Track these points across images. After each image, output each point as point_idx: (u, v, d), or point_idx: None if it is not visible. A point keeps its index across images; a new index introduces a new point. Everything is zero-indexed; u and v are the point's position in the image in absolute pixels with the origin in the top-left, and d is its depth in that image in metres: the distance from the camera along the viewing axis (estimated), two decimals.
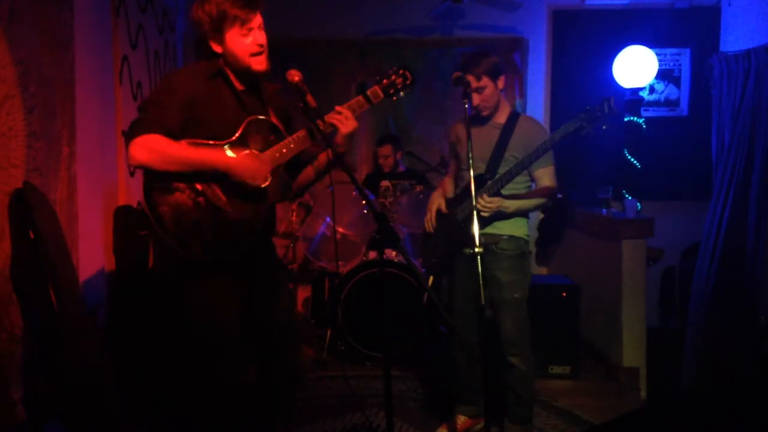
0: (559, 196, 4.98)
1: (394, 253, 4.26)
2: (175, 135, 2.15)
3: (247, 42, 2.20)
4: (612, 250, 4.08)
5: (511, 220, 2.98)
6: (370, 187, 4.72)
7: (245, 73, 2.27)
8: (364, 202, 4.06)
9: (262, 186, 2.22)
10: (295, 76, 2.25)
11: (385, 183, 4.42)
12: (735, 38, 4.71)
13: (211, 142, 2.19)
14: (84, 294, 2.64)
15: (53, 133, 2.72)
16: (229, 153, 2.20)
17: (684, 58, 5.09)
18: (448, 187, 3.24)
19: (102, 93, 3.38)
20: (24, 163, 2.46)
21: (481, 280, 2.46)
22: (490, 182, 2.88)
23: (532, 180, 3.04)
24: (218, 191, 2.19)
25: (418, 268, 3.47)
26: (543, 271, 5.30)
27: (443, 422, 3.28)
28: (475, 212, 2.55)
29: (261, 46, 2.22)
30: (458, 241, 2.97)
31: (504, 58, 5.16)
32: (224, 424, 2.31)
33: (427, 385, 3.85)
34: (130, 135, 2.14)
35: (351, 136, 2.33)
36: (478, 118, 2.97)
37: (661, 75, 5.01)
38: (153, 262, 3.27)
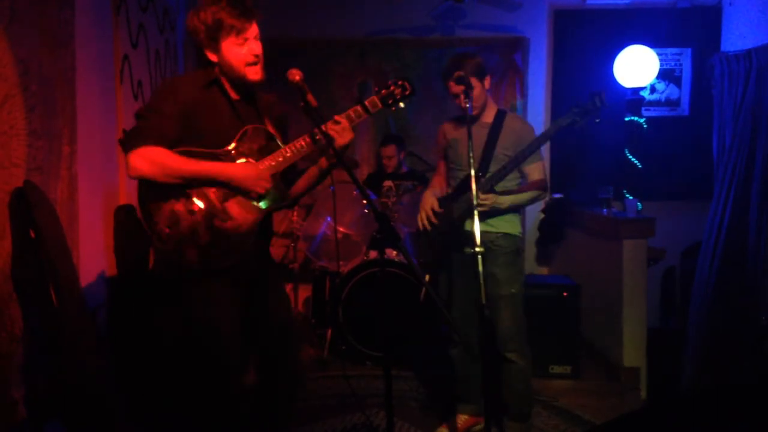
0: (560, 195, 5.00)
1: (394, 252, 4.26)
2: (172, 144, 2.15)
3: (242, 52, 2.20)
4: (613, 250, 4.08)
5: (505, 218, 3.03)
6: (371, 186, 4.72)
7: (240, 83, 2.27)
8: (365, 201, 4.06)
9: (263, 193, 2.23)
10: (296, 75, 2.25)
11: (387, 183, 4.43)
12: (736, 38, 4.71)
13: (207, 151, 2.19)
14: (84, 294, 2.64)
15: (54, 132, 2.72)
16: (228, 162, 2.20)
17: (685, 58, 5.09)
18: (439, 186, 3.26)
19: (103, 92, 3.38)
20: (25, 162, 2.46)
21: (482, 279, 2.47)
22: (484, 179, 2.91)
23: (522, 176, 3.08)
24: (214, 199, 2.19)
25: (419, 268, 3.47)
26: (543, 271, 5.30)
27: (444, 422, 3.29)
28: (476, 212, 2.55)
29: (256, 56, 2.22)
30: (455, 240, 3.04)
31: (505, 58, 5.17)
32: (224, 426, 2.30)
33: (427, 384, 3.85)
34: (129, 144, 2.13)
35: (347, 147, 2.33)
36: (465, 118, 2.99)
37: (662, 75, 5.00)
38: (153, 264, 3.28)
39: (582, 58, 4.98)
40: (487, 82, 3.01)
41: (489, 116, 3.05)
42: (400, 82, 2.41)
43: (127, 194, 3.62)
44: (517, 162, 2.90)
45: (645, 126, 4.41)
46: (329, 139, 2.24)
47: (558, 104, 5.08)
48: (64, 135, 2.81)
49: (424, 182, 4.58)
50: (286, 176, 2.38)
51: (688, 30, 5.00)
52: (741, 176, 4.08)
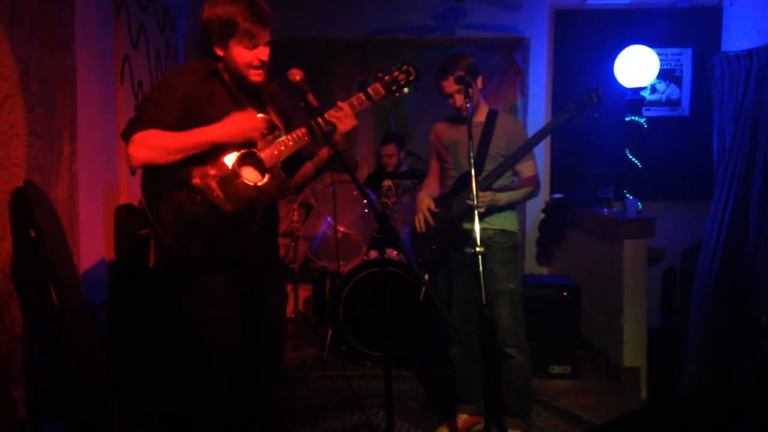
0: (560, 195, 5.00)
1: (395, 252, 4.26)
2: (171, 129, 2.14)
3: (250, 56, 2.21)
4: (613, 250, 4.08)
5: (502, 215, 3.07)
6: (371, 186, 4.72)
7: (241, 80, 2.27)
8: (365, 201, 4.06)
9: (262, 135, 2.22)
10: (296, 75, 2.25)
11: (387, 183, 4.43)
12: (736, 38, 4.71)
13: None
14: (85, 293, 2.63)
15: (54, 131, 2.72)
16: (219, 122, 2.18)
17: (685, 58, 5.09)
18: (433, 186, 3.28)
19: (103, 92, 3.38)
20: (25, 162, 2.46)
21: (482, 279, 2.47)
22: (481, 178, 2.93)
23: (515, 174, 3.12)
24: (216, 189, 2.18)
25: (419, 268, 3.48)
26: (543, 271, 5.30)
27: (444, 422, 3.29)
28: (476, 212, 2.55)
29: (262, 62, 2.22)
30: (453, 239, 3.07)
31: (505, 58, 5.17)
32: (224, 424, 2.30)
33: (427, 384, 3.85)
34: (126, 133, 2.14)
35: (350, 134, 2.33)
36: (459, 118, 3.09)
37: (663, 75, 5.00)
38: (153, 261, 3.27)
39: (582, 58, 4.99)
40: (479, 82, 3.07)
41: (481, 116, 3.09)
42: (404, 68, 2.40)
43: (128, 193, 3.62)
44: (515, 159, 2.94)
45: (645, 126, 4.41)
46: (332, 126, 2.25)
47: (558, 104, 5.08)
48: (64, 135, 2.81)
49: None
50: (289, 165, 2.37)
51: (689, 30, 5.01)
52: (741, 176, 4.08)
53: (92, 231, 3.17)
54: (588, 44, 4.99)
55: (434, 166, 3.31)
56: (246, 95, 2.30)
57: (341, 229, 4.59)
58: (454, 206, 3.08)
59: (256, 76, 2.24)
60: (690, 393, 4.09)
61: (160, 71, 4.30)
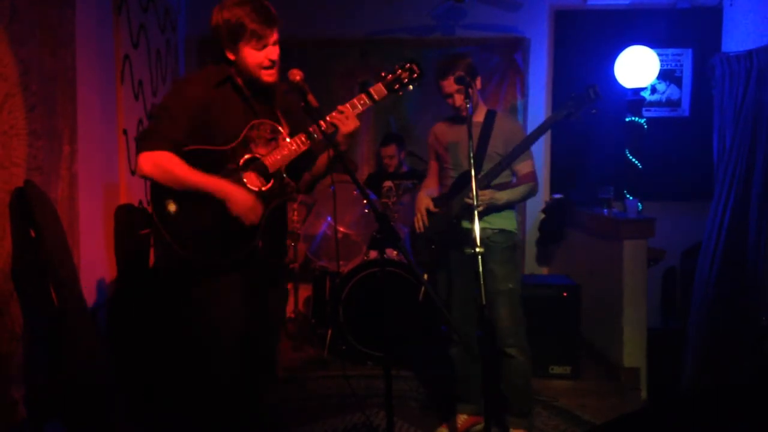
0: (560, 195, 5.00)
1: (395, 252, 4.26)
2: (182, 144, 2.18)
3: (260, 56, 2.22)
4: (613, 251, 4.07)
5: (501, 214, 3.07)
6: (372, 187, 4.72)
7: (254, 82, 2.28)
8: (365, 201, 4.06)
9: (250, 224, 2.21)
10: (296, 75, 2.25)
11: (387, 183, 4.43)
12: (737, 39, 4.71)
13: (216, 148, 2.22)
14: (84, 293, 2.64)
15: (54, 131, 2.72)
16: (230, 183, 2.20)
17: (686, 59, 5.09)
18: (432, 187, 3.28)
19: (103, 92, 3.38)
20: (25, 162, 2.46)
21: (482, 279, 2.47)
22: (480, 177, 2.93)
23: (513, 173, 3.12)
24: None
25: (419, 268, 3.48)
26: (543, 271, 5.30)
27: (444, 422, 3.29)
28: (475, 212, 2.55)
29: (272, 61, 2.24)
30: (453, 239, 3.07)
31: (505, 58, 5.16)
32: (223, 423, 2.31)
33: (427, 384, 3.85)
34: (140, 145, 2.20)
35: (352, 135, 2.33)
36: (458, 119, 3.10)
37: (663, 75, 5.00)
38: (154, 261, 3.28)
39: (582, 58, 4.99)
40: (478, 83, 3.07)
41: (480, 116, 3.10)
42: (407, 65, 2.37)
43: (128, 193, 3.62)
44: (513, 157, 2.94)
45: (645, 126, 4.41)
46: (334, 128, 2.25)
47: (558, 104, 5.06)
48: (64, 135, 2.81)
49: None
50: (295, 167, 2.37)
51: (689, 30, 5.01)
52: (741, 177, 4.08)
53: (92, 231, 3.17)
54: (588, 44, 4.99)
55: (433, 166, 3.31)
56: (258, 100, 2.32)
57: (341, 229, 4.59)
58: (453, 206, 3.08)
59: (268, 76, 2.25)
60: (690, 393, 4.09)
61: (161, 71, 4.30)
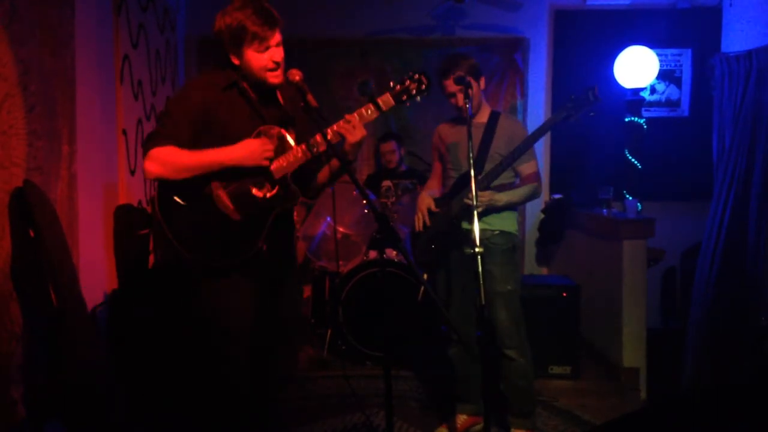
0: (560, 196, 5.00)
1: (394, 252, 4.26)
2: (186, 145, 2.18)
3: (263, 58, 2.22)
4: (613, 251, 4.07)
5: (502, 216, 3.06)
6: (371, 187, 4.72)
7: (261, 85, 2.27)
8: (365, 201, 4.06)
9: (270, 159, 2.23)
10: (296, 75, 2.25)
11: (386, 183, 4.43)
12: (736, 39, 4.71)
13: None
14: (84, 293, 2.63)
15: (54, 131, 2.72)
16: (230, 146, 2.20)
17: (685, 59, 5.09)
18: (434, 187, 3.28)
19: (103, 92, 3.38)
20: (24, 162, 2.46)
21: (481, 280, 2.47)
22: (480, 177, 2.93)
23: (516, 175, 3.12)
24: (225, 199, 2.22)
25: (419, 268, 3.48)
26: (543, 271, 5.30)
27: (444, 422, 3.29)
28: (475, 212, 2.55)
29: (277, 63, 2.24)
30: (452, 239, 3.07)
31: (505, 58, 5.17)
32: (226, 425, 2.30)
33: (427, 384, 3.85)
34: (144, 148, 2.21)
35: (359, 144, 2.31)
36: (461, 119, 3.06)
37: (663, 75, 5.01)
38: (155, 260, 3.28)
39: (582, 58, 4.99)
40: (482, 83, 3.06)
41: (483, 117, 3.09)
42: (416, 76, 2.34)
43: (127, 193, 3.62)
44: (513, 158, 2.93)
45: (645, 127, 4.41)
46: (341, 137, 2.25)
47: (558, 105, 5.06)
48: (63, 134, 2.81)
49: (424, 182, 4.57)
50: (302, 174, 2.36)
51: (689, 31, 5.01)
52: (741, 177, 4.09)
53: (92, 231, 3.17)
54: (588, 44, 5.00)
55: (437, 167, 3.31)
56: (265, 105, 2.31)
57: (341, 229, 4.59)
58: (453, 206, 3.08)
59: (273, 78, 2.25)
60: (690, 393, 4.09)
61: (160, 71, 4.29)
